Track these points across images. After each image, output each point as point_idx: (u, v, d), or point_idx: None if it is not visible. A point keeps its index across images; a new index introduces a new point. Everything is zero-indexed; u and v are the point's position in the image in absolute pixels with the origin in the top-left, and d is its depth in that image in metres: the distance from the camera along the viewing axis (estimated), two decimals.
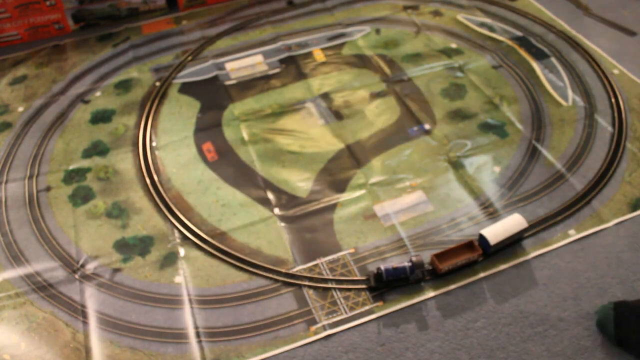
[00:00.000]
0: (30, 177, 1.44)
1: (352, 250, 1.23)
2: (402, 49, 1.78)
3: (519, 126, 1.49)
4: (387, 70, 1.70)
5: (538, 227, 1.25)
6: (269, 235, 1.27)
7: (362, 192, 1.35)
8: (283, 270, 1.19)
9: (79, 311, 1.14)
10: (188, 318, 1.12)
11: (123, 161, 1.46)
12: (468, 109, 1.55)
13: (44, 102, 1.67)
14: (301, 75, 1.70)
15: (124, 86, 1.70)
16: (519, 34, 1.82)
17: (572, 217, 1.26)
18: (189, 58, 1.79)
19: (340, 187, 1.37)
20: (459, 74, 1.67)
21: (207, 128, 1.55)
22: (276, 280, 1.18)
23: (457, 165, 1.39)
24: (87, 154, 1.49)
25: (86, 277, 1.20)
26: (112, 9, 1.96)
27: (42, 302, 1.16)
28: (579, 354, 1.04)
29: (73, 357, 1.08)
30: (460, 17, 1.91)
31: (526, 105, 1.56)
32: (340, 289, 1.16)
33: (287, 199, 1.34)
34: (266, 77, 1.71)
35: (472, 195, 1.32)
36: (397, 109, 1.58)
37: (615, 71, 1.65)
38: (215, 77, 1.72)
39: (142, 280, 1.20)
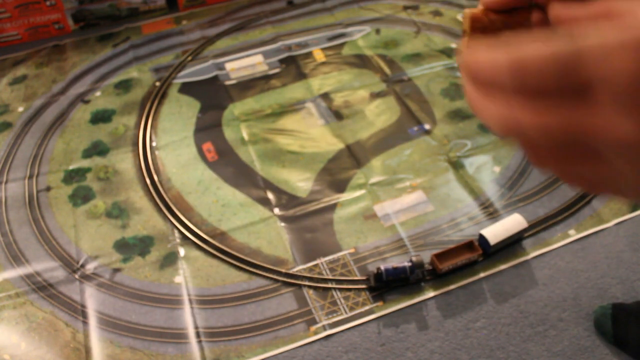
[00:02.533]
0: (30, 177, 1.44)
1: (352, 250, 1.23)
2: (402, 49, 1.78)
3: None
4: (387, 70, 1.70)
5: (538, 227, 1.25)
6: (269, 235, 1.27)
7: (362, 192, 1.35)
8: (283, 270, 1.19)
9: (79, 311, 1.14)
10: (188, 318, 1.12)
11: (123, 161, 1.46)
12: (468, 109, 1.55)
13: (44, 102, 1.67)
14: (301, 75, 1.70)
15: (124, 86, 1.70)
16: None
17: (572, 217, 1.26)
18: (189, 58, 1.79)
19: (340, 187, 1.37)
20: (459, 74, 1.67)
21: (207, 128, 1.55)
22: (276, 280, 1.18)
23: (457, 165, 1.39)
24: (87, 154, 1.49)
25: (86, 277, 1.20)
26: (112, 9, 1.96)
27: (42, 302, 1.16)
28: (579, 354, 1.04)
29: (73, 357, 1.08)
30: (460, 17, 1.91)
31: None
32: (340, 289, 1.16)
33: (287, 199, 1.34)
34: (266, 77, 1.71)
35: (472, 195, 1.32)
36: (397, 109, 1.57)
37: None
38: (215, 77, 1.72)
39: (142, 280, 1.20)
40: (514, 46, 0.23)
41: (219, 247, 1.25)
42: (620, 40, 0.21)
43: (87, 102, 1.66)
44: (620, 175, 0.23)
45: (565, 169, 0.25)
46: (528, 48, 0.22)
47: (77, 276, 1.21)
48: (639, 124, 0.21)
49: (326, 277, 1.18)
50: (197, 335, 1.10)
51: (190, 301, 1.15)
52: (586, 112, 0.22)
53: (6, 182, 1.43)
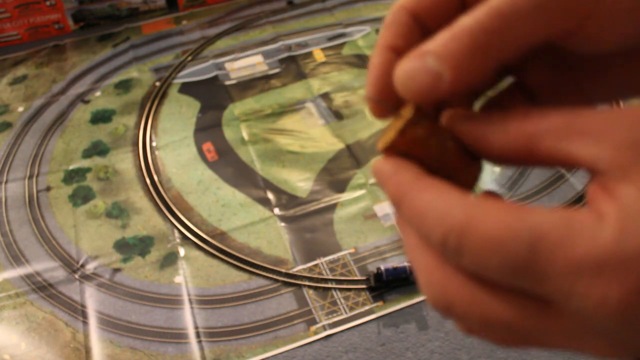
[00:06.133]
0: (30, 177, 1.44)
1: (352, 250, 1.23)
2: None
3: None
4: None
5: None
6: (269, 235, 1.27)
7: (362, 192, 1.35)
8: (283, 270, 1.19)
9: (79, 311, 1.14)
10: (188, 318, 1.12)
11: (123, 161, 1.46)
12: None
13: (44, 102, 1.67)
14: (301, 75, 1.70)
15: (124, 86, 1.70)
16: None
17: None
18: (189, 58, 1.79)
19: (340, 187, 1.37)
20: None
21: (207, 128, 1.55)
22: (276, 280, 1.18)
23: None
24: (87, 154, 1.49)
25: (86, 277, 1.20)
26: (112, 9, 1.96)
27: (42, 302, 1.16)
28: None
29: (73, 357, 1.08)
30: None
31: None
32: (340, 289, 1.16)
33: (287, 199, 1.34)
34: (266, 77, 1.71)
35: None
36: None
37: None
38: (215, 77, 1.72)
39: (142, 280, 1.20)
40: (462, 200, 0.17)
41: (219, 247, 1.25)
42: (594, 264, 0.14)
43: (87, 102, 1.66)
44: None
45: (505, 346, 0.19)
46: (471, 216, 0.16)
47: (77, 276, 1.21)
48: (621, 345, 0.16)
49: (326, 277, 1.18)
50: (197, 335, 1.10)
51: (190, 301, 1.15)
52: (544, 319, 0.17)
53: (6, 182, 1.43)
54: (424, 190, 0.18)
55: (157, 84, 1.71)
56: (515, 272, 0.15)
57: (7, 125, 1.60)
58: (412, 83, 0.19)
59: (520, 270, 0.15)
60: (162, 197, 1.36)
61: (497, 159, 0.19)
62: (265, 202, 1.34)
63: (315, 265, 1.21)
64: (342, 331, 1.10)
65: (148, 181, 1.40)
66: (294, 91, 1.66)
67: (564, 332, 0.16)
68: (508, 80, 0.23)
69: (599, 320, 0.15)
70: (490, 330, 0.17)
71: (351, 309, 1.13)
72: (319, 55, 1.79)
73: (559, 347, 0.17)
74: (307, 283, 1.18)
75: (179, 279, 1.20)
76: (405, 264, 1.13)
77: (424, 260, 0.18)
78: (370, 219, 1.30)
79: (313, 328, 1.10)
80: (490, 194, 0.19)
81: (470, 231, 0.16)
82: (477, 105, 0.24)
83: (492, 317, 0.17)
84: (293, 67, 1.74)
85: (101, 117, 1.60)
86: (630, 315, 0.14)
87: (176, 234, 1.28)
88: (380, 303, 1.14)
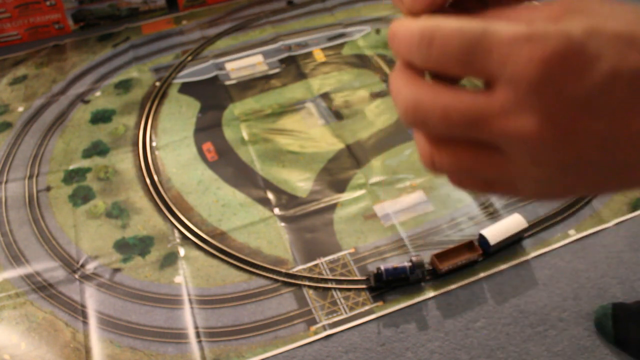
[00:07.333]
0: (30, 177, 1.44)
1: (352, 250, 1.23)
2: None
3: None
4: (387, 70, 1.70)
5: (538, 227, 1.25)
6: (269, 235, 1.27)
7: (362, 192, 1.35)
8: (283, 270, 1.19)
9: (79, 311, 1.14)
10: (188, 318, 1.12)
11: (123, 161, 1.46)
12: None
13: (44, 102, 1.67)
14: (301, 75, 1.70)
15: (124, 86, 1.70)
16: None
17: (572, 217, 1.26)
18: (189, 58, 1.79)
19: (340, 187, 1.37)
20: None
21: (207, 128, 1.55)
22: (276, 280, 1.18)
23: None
24: (87, 154, 1.49)
25: (86, 277, 1.20)
26: (112, 9, 1.96)
27: (42, 302, 1.16)
28: (579, 354, 1.04)
29: (73, 357, 1.08)
30: None
31: None
32: (340, 289, 1.16)
33: (287, 199, 1.34)
34: (266, 77, 1.71)
35: (472, 195, 1.32)
36: None
37: None
38: (215, 77, 1.72)
39: (142, 280, 1.20)
40: (430, 18, 0.23)
41: (219, 247, 1.25)
42: (527, 32, 0.20)
43: (87, 102, 1.66)
44: (522, 175, 0.22)
45: (461, 165, 0.24)
46: (441, 20, 0.22)
47: (77, 276, 1.21)
48: (541, 120, 0.20)
49: (326, 277, 1.18)
50: (197, 335, 1.10)
51: (190, 301, 1.15)
52: (488, 101, 0.21)
53: (6, 182, 1.43)
54: (414, 21, 0.24)
55: (157, 84, 1.71)
56: (470, 50, 0.21)
57: (7, 125, 1.60)
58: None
59: (474, 46, 0.21)
60: (162, 197, 1.36)
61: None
62: (265, 202, 1.34)
63: (315, 265, 1.21)
64: (342, 331, 1.10)
65: (148, 181, 1.40)
66: (294, 91, 1.66)
67: (503, 108, 0.21)
68: None
69: (527, 84, 0.20)
70: (450, 127, 0.22)
71: (351, 309, 1.13)
72: (319, 55, 1.79)
73: (501, 135, 0.21)
74: (307, 283, 1.18)
75: (179, 279, 1.20)
76: (405, 264, 1.13)
77: (402, 79, 0.24)
78: (370, 219, 1.30)
79: (313, 328, 1.10)
80: None
81: (439, 27, 0.22)
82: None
83: (450, 105, 0.22)
84: (293, 67, 1.74)
85: (101, 117, 1.60)
86: (547, 76, 0.19)
87: (176, 234, 1.28)
88: (380, 303, 1.14)
